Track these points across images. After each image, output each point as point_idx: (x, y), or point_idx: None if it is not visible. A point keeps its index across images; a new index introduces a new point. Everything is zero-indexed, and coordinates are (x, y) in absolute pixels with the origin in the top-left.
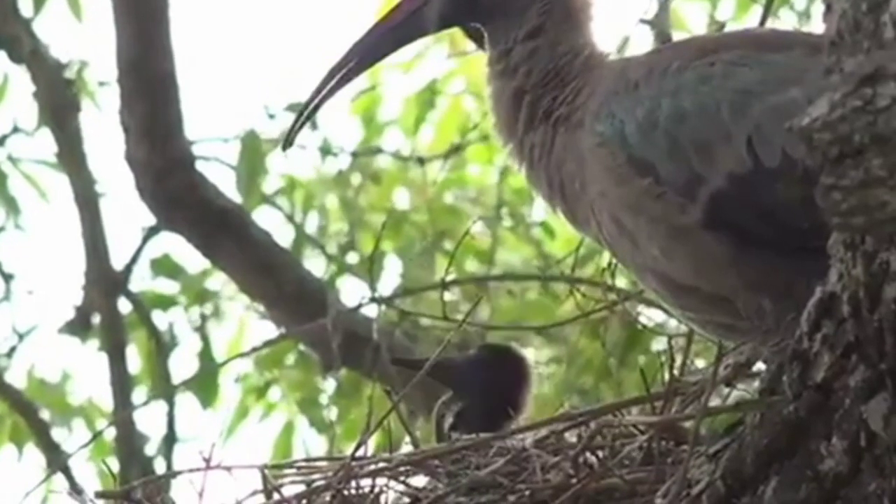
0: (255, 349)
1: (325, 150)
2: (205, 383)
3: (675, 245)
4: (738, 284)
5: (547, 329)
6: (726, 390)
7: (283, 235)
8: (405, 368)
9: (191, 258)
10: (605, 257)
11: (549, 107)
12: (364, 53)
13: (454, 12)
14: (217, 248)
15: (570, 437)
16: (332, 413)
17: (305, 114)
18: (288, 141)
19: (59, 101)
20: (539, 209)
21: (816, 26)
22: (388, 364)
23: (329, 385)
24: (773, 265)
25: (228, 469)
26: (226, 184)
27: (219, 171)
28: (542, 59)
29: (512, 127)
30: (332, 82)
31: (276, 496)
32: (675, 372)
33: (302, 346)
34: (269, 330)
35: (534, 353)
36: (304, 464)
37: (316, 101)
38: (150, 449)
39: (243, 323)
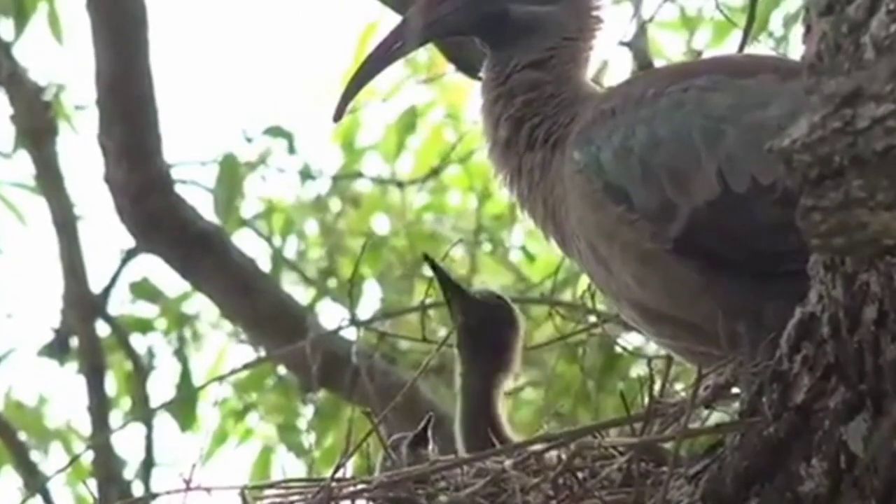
0: (233, 371)
1: (305, 174)
2: (183, 407)
3: (647, 271)
4: (711, 311)
5: (525, 352)
6: (706, 412)
7: (262, 260)
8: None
9: (169, 282)
10: (584, 281)
11: (549, 130)
12: (408, 38)
13: (477, 22)
14: (196, 270)
15: (550, 458)
16: (310, 438)
17: (349, 96)
18: (337, 114)
19: (36, 124)
20: (518, 234)
21: (795, 51)
22: (368, 387)
23: (308, 409)
24: (744, 290)
25: (208, 490)
26: (204, 207)
27: (197, 195)
28: (543, 91)
29: (510, 149)
30: (377, 62)
31: None
32: (655, 394)
33: (281, 370)
34: (248, 354)
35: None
36: (284, 485)
37: (362, 76)
38: (129, 473)
39: (222, 347)
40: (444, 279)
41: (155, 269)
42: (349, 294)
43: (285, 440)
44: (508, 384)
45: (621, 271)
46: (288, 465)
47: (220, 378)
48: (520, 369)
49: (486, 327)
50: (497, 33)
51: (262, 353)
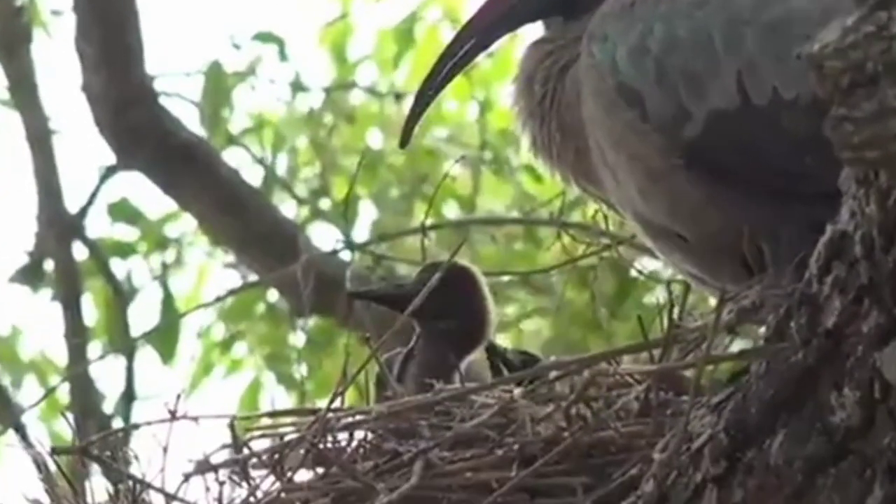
0: (219, 298)
1: (296, 86)
2: (166, 337)
3: (653, 186)
4: (717, 229)
5: (532, 276)
6: (729, 337)
7: (251, 179)
8: (365, 300)
9: (151, 202)
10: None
11: (567, 61)
12: (482, 34)
13: (548, 5)
14: (181, 186)
15: (562, 387)
16: (301, 369)
17: (423, 102)
18: (405, 137)
19: (8, 30)
20: (524, 151)
21: None
22: (363, 313)
23: (299, 339)
24: (756, 211)
25: (195, 420)
26: (189, 122)
27: (181, 108)
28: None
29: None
30: (450, 64)
31: (245, 451)
32: (675, 318)
33: (271, 297)
34: (235, 279)
35: (518, 306)
36: (276, 416)
37: (434, 86)
38: (108, 407)
39: (206, 272)
40: (373, 298)
41: (136, 187)
42: (344, 214)
43: (275, 372)
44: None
45: (627, 182)
46: (278, 399)
47: (206, 305)
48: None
49: (439, 302)
50: (569, 8)
51: (251, 279)
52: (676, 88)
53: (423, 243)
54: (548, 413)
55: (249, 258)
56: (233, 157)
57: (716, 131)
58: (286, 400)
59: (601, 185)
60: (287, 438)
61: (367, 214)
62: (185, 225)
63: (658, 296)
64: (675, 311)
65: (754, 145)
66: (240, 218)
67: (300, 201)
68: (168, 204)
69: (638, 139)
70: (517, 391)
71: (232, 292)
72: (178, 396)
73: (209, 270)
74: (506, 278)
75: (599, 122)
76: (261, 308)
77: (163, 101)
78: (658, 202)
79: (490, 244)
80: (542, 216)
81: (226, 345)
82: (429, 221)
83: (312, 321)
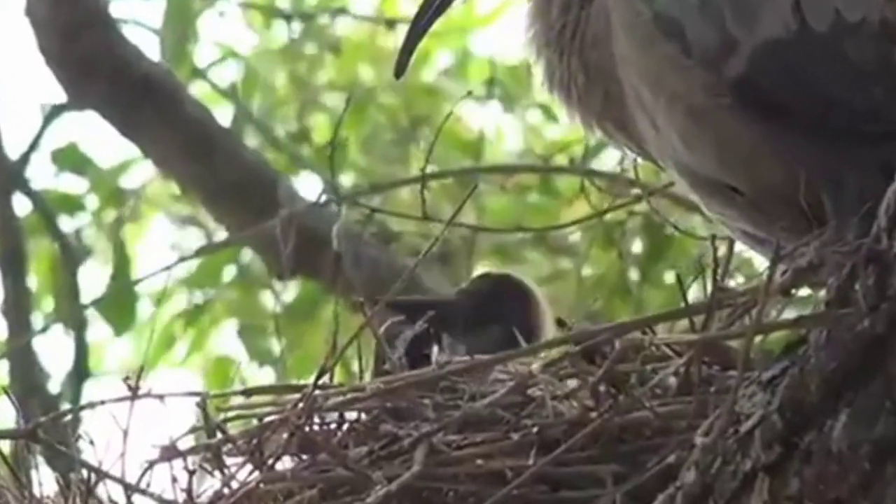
0: (182, 259)
1: (273, 12)
2: (120, 305)
3: (696, 130)
4: (773, 179)
5: (550, 234)
6: (783, 302)
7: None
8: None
9: (104, 148)
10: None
11: None
12: None
13: None
14: (140, 126)
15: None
16: (280, 342)
17: (421, 26)
18: (400, 66)
19: None
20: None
21: None
22: (354, 274)
23: (277, 306)
24: (817, 154)
25: (160, 398)
26: (148, 53)
27: (139, 38)
28: None
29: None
30: None
31: (219, 434)
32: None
33: (244, 257)
34: (202, 239)
35: (533, 269)
36: (255, 394)
37: (434, 6)
38: (54, 385)
39: (168, 229)
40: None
41: (87, 130)
42: (329, 162)
43: (248, 345)
44: None
45: (667, 128)
46: (251, 377)
47: (167, 268)
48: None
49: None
50: None
51: (220, 236)
52: (722, 16)
53: (423, 195)
54: (572, 390)
55: (219, 211)
56: (198, 94)
57: (768, 63)
58: (261, 378)
59: (636, 134)
60: (267, 420)
61: (355, 162)
62: (145, 174)
63: (698, 256)
64: (720, 271)
65: (813, 78)
66: (208, 164)
67: (278, 146)
68: (124, 149)
69: (679, 77)
70: (536, 365)
71: (199, 252)
72: (140, 371)
73: (172, 227)
74: (518, 236)
75: (633, 59)
76: (231, 271)
77: (119, 28)
78: (704, 149)
79: (500, 196)
80: (561, 163)
81: (191, 314)
82: (428, 169)
83: (292, 286)
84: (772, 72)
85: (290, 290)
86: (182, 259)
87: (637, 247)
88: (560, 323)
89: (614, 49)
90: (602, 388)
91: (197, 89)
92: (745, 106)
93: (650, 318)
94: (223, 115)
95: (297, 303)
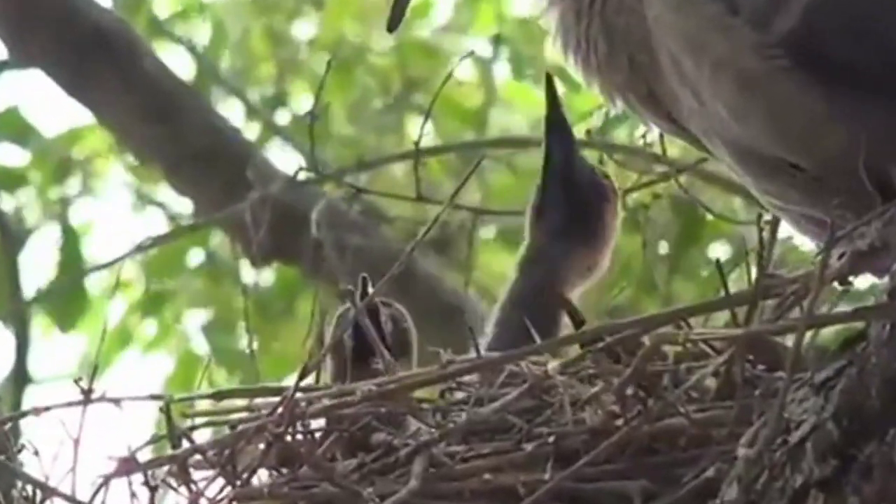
0: (140, 248)
1: None
2: (68, 297)
3: (747, 99)
4: (838, 150)
5: None
6: (840, 291)
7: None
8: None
9: (50, 113)
10: None
11: None
12: None
13: None
14: (91, 85)
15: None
16: (252, 340)
17: None
18: (393, 20)
19: None
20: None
21: None
22: (335, 266)
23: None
24: (888, 119)
25: (117, 403)
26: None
27: None
28: None
29: None
30: None
31: (185, 444)
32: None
33: (210, 241)
34: (163, 221)
35: None
36: (226, 396)
37: None
38: None
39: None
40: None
41: (30, 92)
42: (309, 132)
43: (215, 343)
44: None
45: (713, 100)
46: (219, 379)
47: (122, 258)
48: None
49: (582, 200)
50: None
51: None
52: None
53: (418, 172)
54: (595, 393)
55: (183, 186)
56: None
57: (826, 17)
58: (230, 379)
59: (674, 108)
60: (241, 427)
61: (340, 133)
62: (97, 143)
63: (740, 240)
64: (766, 255)
65: (879, 31)
66: (171, 130)
67: (251, 112)
68: (73, 114)
69: (725, 39)
70: (553, 364)
71: (160, 238)
72: (94, 371)
73: (128, 206)
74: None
75: (671, 22)
76: (197, 257)
77: None
78: (756, 120)
79: (507, 173)
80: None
81: (149, 307)
82: (425, 142)
83: (267, 274)
84: (831, 26)
85: (264, 279)
86: (140, 248)
87: (665, 232)
88: (574, 316)
89: (647, 12)
90: (629, 390)
91: (156, 46)
92: (802, 67)
93: (685, 310)
94: (187, 76)
95: (273, 293)
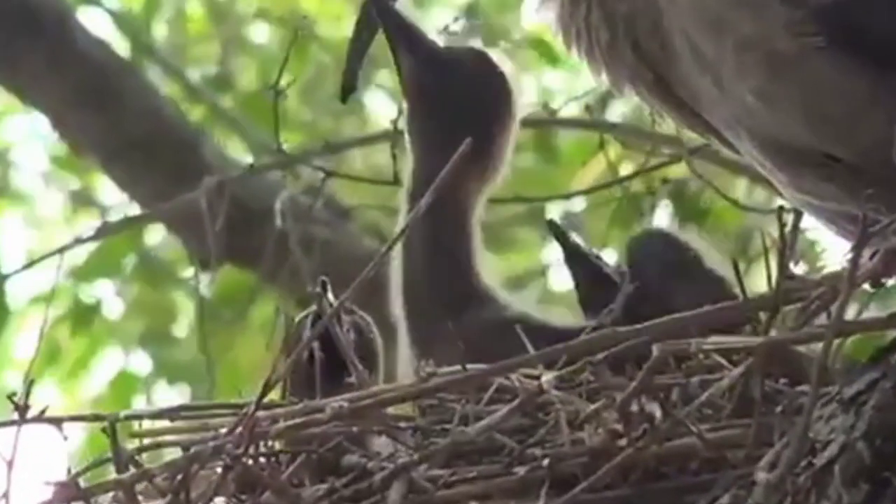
0: (63, 249)
1: None
2: None
3: (777, 83)
4: (882, 137)
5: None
6: (870, 293)
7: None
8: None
9: None
10: None
11: None
12: None
13: None
14: (18, 65)
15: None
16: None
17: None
18: (347, 85)
19: None
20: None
21: None
22: (303, 259)
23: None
24: None
25: (57, 423)
26: None
27: None
28: None
29: None
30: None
31: (132, 469)
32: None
33: (151, 239)
34: (94, 217)
35: (531, 254)
36: (179, 414)
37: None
38: None
39: (53, 204)
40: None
41: None
42: (273, 111)
43: (158, 357)
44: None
45: (737, 85)
46: (162, 398)
47: (46, 257)
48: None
49: (456, 97)
50: None
51: (121, 214)
52: None
53: (396, 156)
54: (595, 410)
55: (122, 177)
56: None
57: None
58: (175, 397)
59: (690, 98)
60: (195, 450)
61: (295, 115)
62: (20, 129)
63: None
64: (789, 252)
65: None
66: (107, 112)
67: (191, 95)
68: None
69: (752, 16)
70: (547, 376)
71: (97, 235)
72: (28, 388)
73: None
74: (514, 209)
75: (687, 0)
76: (134, 259)
77: None
78: (789, 107)
79: None
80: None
81: (80, 317)
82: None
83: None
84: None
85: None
86: (61, 249)
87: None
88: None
89: None
90: (634, 407)
91: (87, 19)
92: (840, 46)
93: (696, 316)
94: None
95: (223, 297)
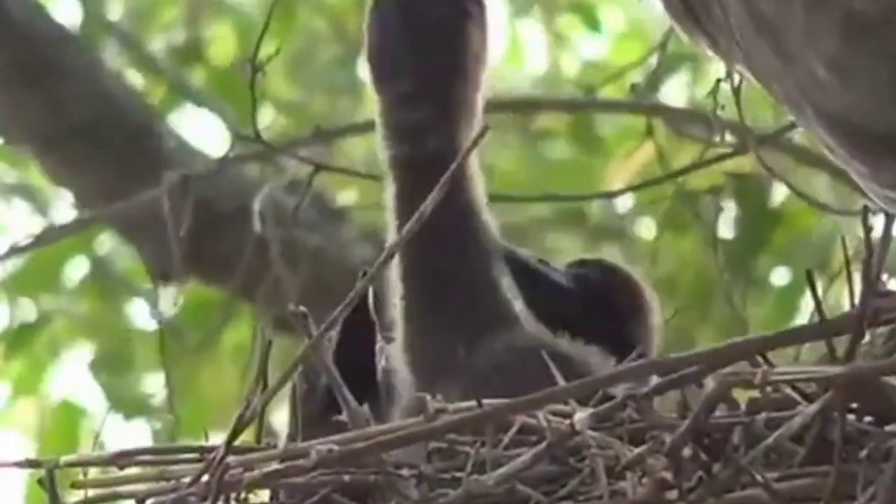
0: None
1: None
2: None
3: (854, 53)
4: None
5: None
6: None
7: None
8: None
9: None
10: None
11: None
12: None
13: None
14: None
15: (664, 407)
16: (158, 382)
17: None
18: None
19: None
20: None
21: None
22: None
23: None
24: None
25: None
26: None
27: None
28: None
29: None
30: None
31: None
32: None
33: (104, 244)
34: (37, 218)
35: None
36: (132, 458)
37: None
38: None
39: None
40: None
41: None
42: (251, 90)
43: (110, 387)
44: None
45: (805, 54)
46: (113, 435)
47: None
48: None
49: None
50: None
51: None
52: None
53: None
54: (639, 455)
55: (63, 170)
56: None
57: None
58: (129, 437)
59: (749, 69)
60: (152, 502)
61: (277, 94)
62: None
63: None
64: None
65: None
66: (47, 96)
67: (153, 70)
68: None
69: None
70: (580, 414)
71: (38, 242)
72: None
73: None
74: (540, 208)
75: None
76: (82, 269)
77: None
78: (869, 80)
79: (512, 147)
80: (608, 97)
81: (17, 338)
82: None
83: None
84: None
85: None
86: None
87: (733, 225)
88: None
89: None
90: (687, 451)
91: None
92: None
93: (763, 341)
94: (68, 22)
95: (189, 318)
